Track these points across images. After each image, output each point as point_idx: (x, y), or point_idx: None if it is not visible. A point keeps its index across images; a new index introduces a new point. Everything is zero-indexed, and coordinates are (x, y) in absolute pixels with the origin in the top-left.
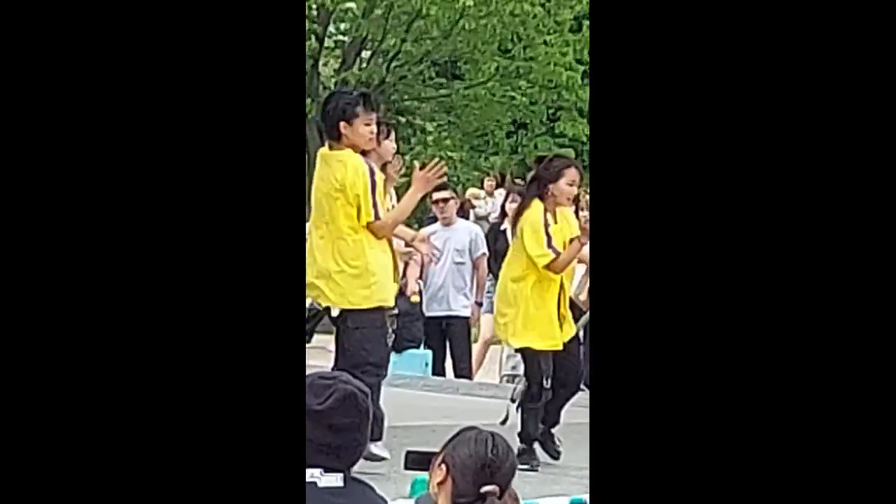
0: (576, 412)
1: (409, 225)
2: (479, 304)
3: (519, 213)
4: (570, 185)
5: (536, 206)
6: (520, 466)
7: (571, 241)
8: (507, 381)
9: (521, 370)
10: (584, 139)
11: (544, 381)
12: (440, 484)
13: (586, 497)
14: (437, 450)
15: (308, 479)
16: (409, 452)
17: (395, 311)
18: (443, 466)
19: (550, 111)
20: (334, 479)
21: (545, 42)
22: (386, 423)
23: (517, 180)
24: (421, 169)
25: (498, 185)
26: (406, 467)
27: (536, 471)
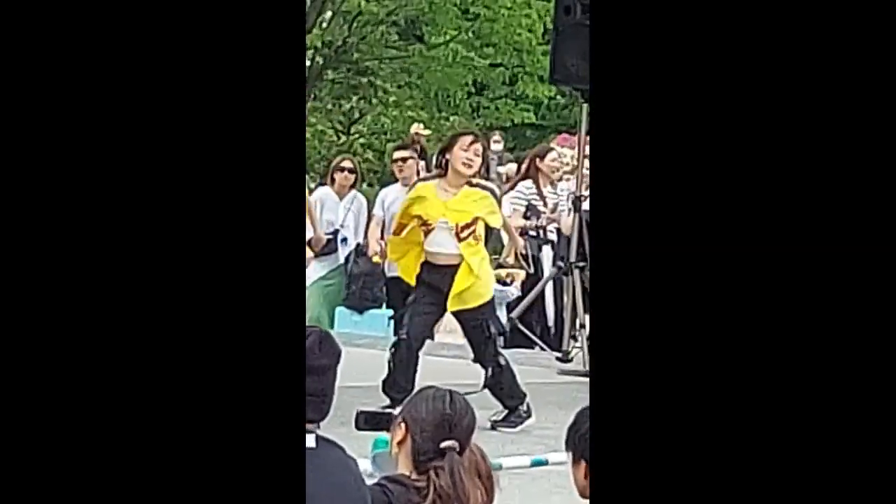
0: (535, 372)
1: (371, 185)
2: None
3: None
4: (465, 149)
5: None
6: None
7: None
8: None
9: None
10: (545, 101)
11: None
12: (400, 443)
13: (547, 456)
14: (388, 409)
15: None
16: (360, 412)
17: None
18: (402, 425)
19: (511, 73)
20: (307, 441)
21: (506, 5)
22: (349, 383)
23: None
24: None
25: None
26: (357, 427)
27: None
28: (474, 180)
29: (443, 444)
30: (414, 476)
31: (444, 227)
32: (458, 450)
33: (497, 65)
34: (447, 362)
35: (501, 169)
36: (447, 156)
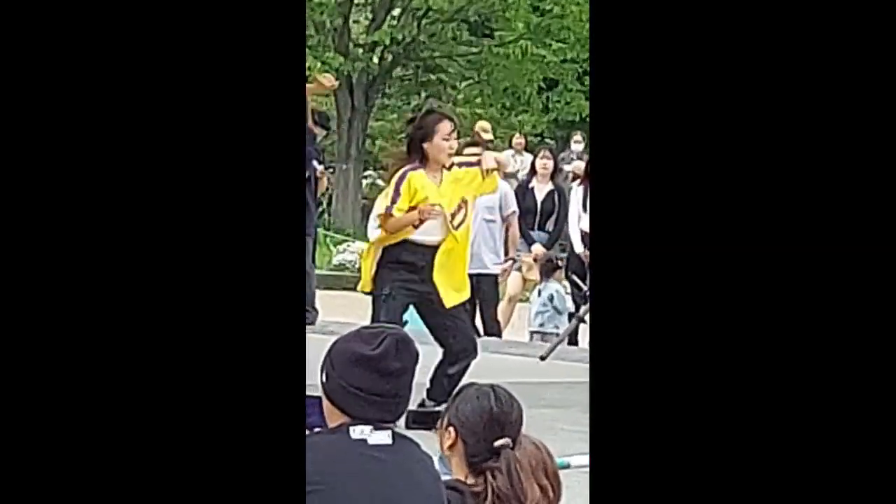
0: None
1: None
2: (512, 261)
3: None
4: (447, 139)
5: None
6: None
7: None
8: (540, 340)
9: (548, 327)
10: None
11: None
12: (451, 447)
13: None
14: (438, 409)
15: (358, 436)
16: (410, 412)
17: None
18: (450, 429)
19: (581, 69)
20: (384, 437)
21: (576, 0)
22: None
23: (547, 140)
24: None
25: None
26: (407, 426)
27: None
28: (454, 159)
29: (496, 444)
30: (470, 480)
31: (438, 213)
32: (511, 446)
33: (568, 60)
34: (512, 360)
35: (567, 167)
36: (424, 145)
